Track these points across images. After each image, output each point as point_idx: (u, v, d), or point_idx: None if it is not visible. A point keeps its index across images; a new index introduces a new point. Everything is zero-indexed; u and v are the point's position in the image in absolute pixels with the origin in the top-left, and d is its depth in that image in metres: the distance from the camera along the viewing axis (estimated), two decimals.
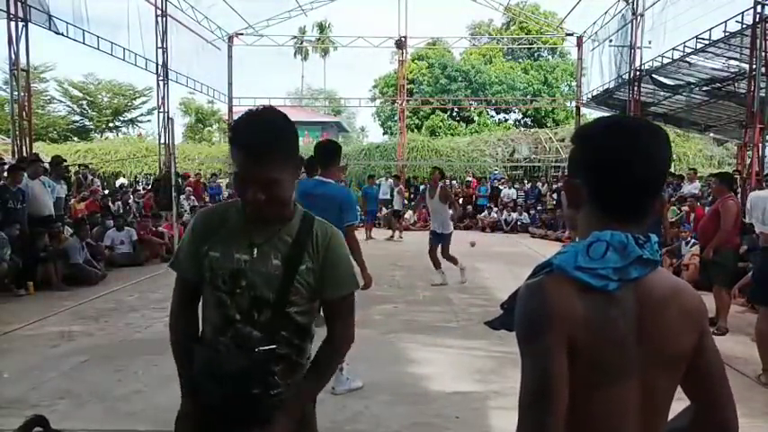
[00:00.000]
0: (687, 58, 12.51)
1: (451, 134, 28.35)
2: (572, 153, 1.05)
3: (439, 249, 7.77)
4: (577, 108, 20.85)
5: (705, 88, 13.34)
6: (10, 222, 7.29)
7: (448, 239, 7.76)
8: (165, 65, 15.55)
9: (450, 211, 8.15)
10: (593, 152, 0.99)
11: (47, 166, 9.32)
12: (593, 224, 0.99)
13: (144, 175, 19.92)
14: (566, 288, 0.92)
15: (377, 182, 16.22)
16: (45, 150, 16.48)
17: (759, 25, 9.75)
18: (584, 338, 0.91)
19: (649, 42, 14.71)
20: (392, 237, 13.69)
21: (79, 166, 13.89)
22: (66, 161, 10.53)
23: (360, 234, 14.21)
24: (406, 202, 15.83)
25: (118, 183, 18.52)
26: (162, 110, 15.87)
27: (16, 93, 10.48)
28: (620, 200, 0.98)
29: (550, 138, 21.19)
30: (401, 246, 12.64)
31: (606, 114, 22.78)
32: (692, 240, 8.41)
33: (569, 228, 1.03)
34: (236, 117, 20.05)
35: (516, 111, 31.39)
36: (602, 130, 1.01)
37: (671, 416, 1.02)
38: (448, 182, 18.69)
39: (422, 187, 8.73)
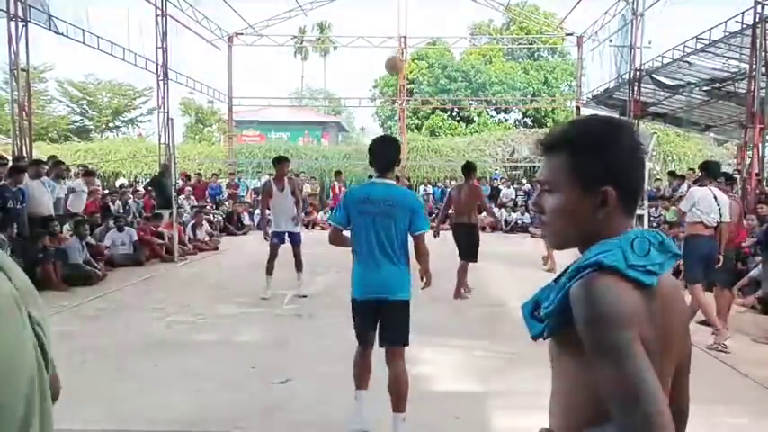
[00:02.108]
0: (687, 58, 12.52)
1: (451, 134, 28.34)
2: (591, 158, 1.01)
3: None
4: (577, 108, 20.85)
5: (705, 88, 13.34)
6: (9, 223, 7.29)
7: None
8: (164, 65, 15.56)
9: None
10: (623, 155, 1.01)
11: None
12: (616, 225, 1.02)
13: (144, 175, 19.92)
14: (623, 285, 0.93)
15: None
16: (44, 151, 16.47)
17: (759, 25, 9.75)
18: (643, 333, 0.93)
19: (649, 42, 14.73)
20: None
21: (78, 166, 13.91)
22: (62, 162, 10.53)
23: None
24: None
25: (118, 183, 18.51)
26: (162, 110, 15.87)
27: (16, 93, 10.49)
28: (639, 197, 1.07)
29: None
30: None
31: (604, 114, 22.74)
32: None
33: (564, 242, 1.08)
34: (236, 118, 20.15)
35: (516, 111, 31.38)
36: (616, 131, 1.04)
37: None
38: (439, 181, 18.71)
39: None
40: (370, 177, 3.15)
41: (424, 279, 3.35)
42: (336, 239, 3.32)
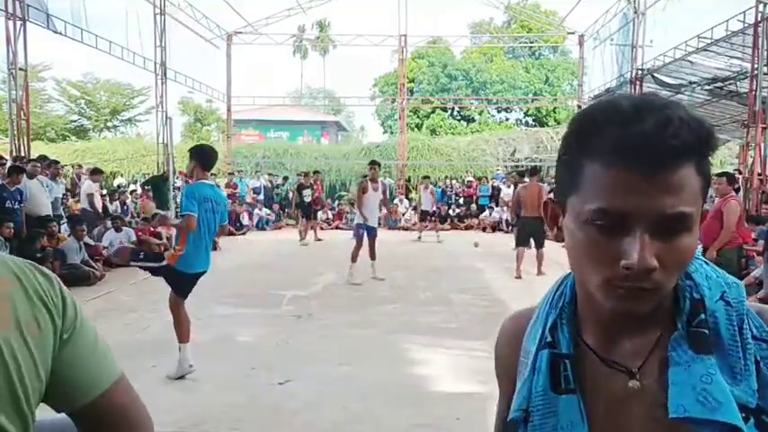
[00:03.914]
0: (689, 57, 12.48)
1: (452, 133, 28.31)
2: (708, 168, 0.81)
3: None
4: (579, 107, 20.82)
5: (707, 87, 13.30)
6: (6, 222, 7.26)
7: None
8: (163, 64, 15.51)
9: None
10: None
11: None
12: None
13: (143, 175, 19.87)
14: None
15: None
16: (42, 150, 16.42)
17: (761, 24, 9.71)
18: None
19: (651, 41, 14.70)
20: (419, 238, 13.41)
21: (72, 166, 13.91)
22: (58, 161, 10.56)
23: (349, 233, 14.10)
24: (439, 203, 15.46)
25: (116, 183, 18.47)
26: (160, 109, 15.82)
27: (14, 92, 10.45)
28: None
29: (552, 137, 21.17)
30: (405, 246, 12.61)
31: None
32: None
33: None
34: (235, 117, 20.10)
35: (517, 110, 31.36)
36: None
37: None
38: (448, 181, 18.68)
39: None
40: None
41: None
42: (193, 226, 4.02)
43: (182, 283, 4.13)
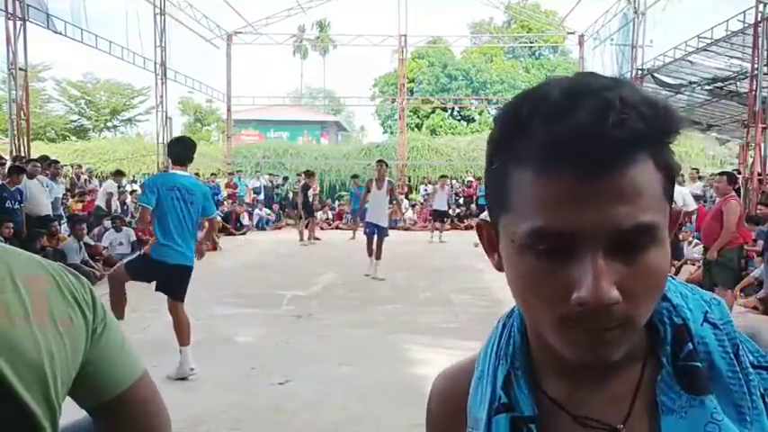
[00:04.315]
0: (689, 57, 12.48)
1: (452, 133, 28.33)
2: (673, 160, 0.63)
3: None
4: None
5: (707, 87, 13.31)
6: (6, 222, 7.26)
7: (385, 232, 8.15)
8: (163, 64, 15.51)
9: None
10: None
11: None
12: None
13: (142, 175, 19.85)
14: None
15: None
16: (42, 150, 16.43)
17: (761, 24, 9.71)
18: None
19: (651, 41, 14.71)
20: (432, 239, 13.35)
21: (72, 166, 13.92)
22: (58, 161, 10.62)
23: (348, 234, 14.03)
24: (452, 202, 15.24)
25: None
26: (160, 109, 15.82)
27: (14, 92, 10.45)
28: None
29: None
30: (408, 246, 12.60)
31: None
32: (695, 241, 8.39)
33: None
34: (235, 117, 20.01)
35: None
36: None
37: None
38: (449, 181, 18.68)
39: None
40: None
41: (200, 250, 4.34)
42: (146, 218, 4.00)
43: (163, 276, 3.96)
